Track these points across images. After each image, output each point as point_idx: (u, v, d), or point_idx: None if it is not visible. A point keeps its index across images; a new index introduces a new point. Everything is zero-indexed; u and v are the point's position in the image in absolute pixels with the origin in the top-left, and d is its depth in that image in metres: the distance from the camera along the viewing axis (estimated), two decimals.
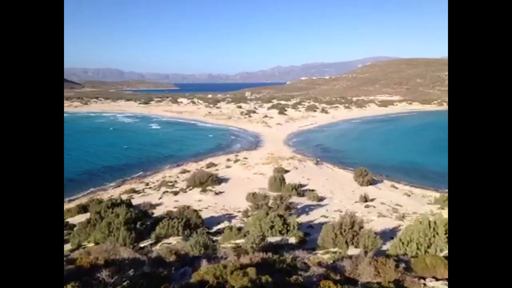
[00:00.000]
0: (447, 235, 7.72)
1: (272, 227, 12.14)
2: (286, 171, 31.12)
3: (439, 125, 72.91)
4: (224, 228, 13.56)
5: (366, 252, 7.78)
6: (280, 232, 12.16)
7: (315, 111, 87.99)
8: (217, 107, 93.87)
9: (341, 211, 18.32)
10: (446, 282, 4.39)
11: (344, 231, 10.31)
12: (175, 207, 19.26)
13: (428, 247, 7.67)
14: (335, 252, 8.93)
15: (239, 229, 12.76)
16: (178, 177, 30.97)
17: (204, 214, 18.29)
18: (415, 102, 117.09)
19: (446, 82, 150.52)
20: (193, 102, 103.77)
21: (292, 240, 11.57)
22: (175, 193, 24.93)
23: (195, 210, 16.76)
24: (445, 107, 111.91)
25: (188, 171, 32.41)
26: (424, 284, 4.35)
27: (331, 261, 6.77)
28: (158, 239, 11.80)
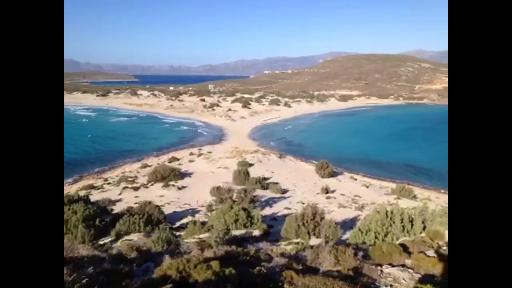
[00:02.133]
0: (402, 224, 8.21)
1: (236, 221, 12.20)
2: (250, 165, 31.33)
3: (395, 118, 76.99)
4: (187, 223, 13.41)
5: (327, 242, 8.07)
6: (244, 225, 12.25)
7: (278, 105, 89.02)
8: (179, 100, 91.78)
9: (304, 203, 18.81)
10: (401, 268, 4.67)
11: (306, 222, 10.61)
12: (136, 203, 18.70)
13: (385, 235, 8.10)
14: (297, 243, 9.17)
15: (203, 223, 12.69)
16: (138, 172, 30.06)
17: (167, 210, 17.97)
18: (373, 96, 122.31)
19: (403, 77, 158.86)
20: (154, 95, 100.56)
21: (256, 232, 11.71)
22: (136, 189, 24.18)
23: (157, 206, 16.41)
24: (400, 101, 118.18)
25: (149, 166, 31.53)
26: (381, 271, 4.59)
27: (294, 252, 6.95)
28: (118, 236, 11.41)
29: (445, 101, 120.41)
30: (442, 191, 28.15)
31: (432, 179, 31.74)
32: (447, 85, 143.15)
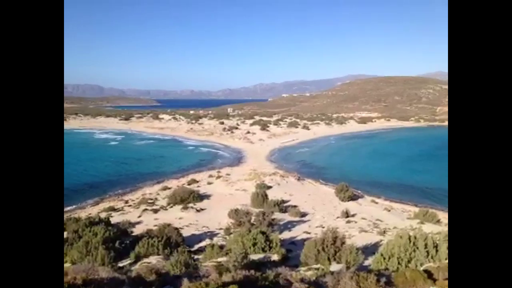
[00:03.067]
0: (426, 249, 7.89)
1: (254, 244, 12.03)
2: (269, 187, 31.12)
3: (416, 140, 75.33)
4: (205, 246, 13.33)
5: (348, 268, 7.83)
6: (262, 249, 12.05)
7: (296, 127, 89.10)
8: (199, 123, 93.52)
9: (323, 227, 18.38)
10: None
11: (326, 247, 10.34)
12: (155, 225, 18.82)
13: (409, 261, 7.80)
14: (317, 269, 8.93)
15: (221, 247, 12.59)
16: (158, 194, 30.38)
17: (185, 232, 17.95)
18: (393, 118, 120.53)
19: (423, 99, 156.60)
20: (175, 118, 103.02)
21: (275, 257, 11.49)
22: (155, 211, 24.39)
23: (176, 228, 16.43)
24: (421, 123, 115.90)
25: (169, 188, 31.86)
26: None
27: (314, 278, 6.77)
28: (137, 258, 11.47)
29: None
30: None
31: None
32: None
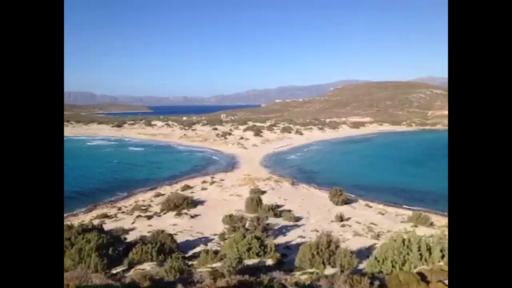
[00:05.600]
0: (420, 252, 7.95)
1: (249, 249, 12.01)
2: (263, 192, 31.11)
3: (409, 144, 76.07)
4: (200, 252, 13.26)
5: (342, 271, 7.85)
6: (257, 254, 12.03)
7: (290, 132, 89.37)
8: (193, 129, 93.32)
9: (318, 231, 18.42)
10: None
11: (321, 251, 10.35)
12: (149, 232, 18.67)
13: (403, 264, 7.84)
14: (312, 273, 8.93)
15: (216, 252, 12.54)
16: (152, 200, 30.17)
17: (179, 238, 17.84)
18: (385, 123, 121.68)
19: (414, 104, 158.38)
20: (168, 125, 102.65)
21: (270, 261, 11.47)
22: (149, 218, 24.20)
23: (170, 235, 16.33)
24: (413, 127, 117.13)
25: (163, 195, 31.67)
26: None
27: (309, 282, 6.77)
28: (131, 265, 11.35)
29: None
30: None
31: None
32: None
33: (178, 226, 21.95)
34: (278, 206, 26.39)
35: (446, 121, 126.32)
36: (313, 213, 25.77)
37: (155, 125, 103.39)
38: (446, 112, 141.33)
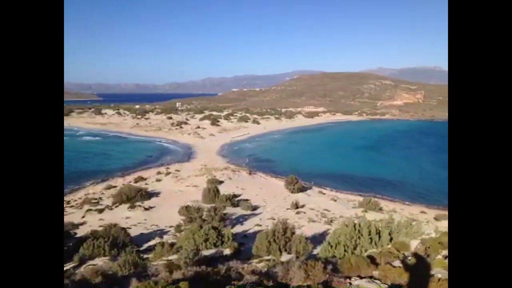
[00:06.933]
0: (370, 236, 8.40)
1: (206, 240, 11.93)
2: (220, 182, 31.00)
3: (359, 133, 79.95)
4: (155, 245, 12.93)
5: (297, 257, 8.08)
6: (215, 244, 12.00)
7: (247, 122, 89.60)
8: (146, 118, 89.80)
9: (274, 219, 18.79)
10: (369, 279, 4.76)
11: (277, 238, 10.58)
12: (100, 226, 17.80)
13: (354, 248, 8.24)
14: (269, 260, 9.10)
15: (172, 244, 12.29)
16: (103, 193, 28.75)
17: (133, 232, 17.24)
18: (338, 113, 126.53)
19: (365, 94, 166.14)
20: (119, 114, 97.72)
21: (227, 251, 11.50)
22: (100, 211, 23.06)
23: (123, 228, 15.69)
24: (364, 117, 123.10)
25: (114, 187, 30.30)
26: (350, 283, 4.65)
27: (265, 269, 6.88)
28: (82, 261, 10.76)
29: (405, 116, 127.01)
30: (407, 203, 29.27)
31: (396, 192, 32.99)
32: (407, 101, 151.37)
33: (132, 219, 21.19)
34: (236, 196, 26.47)
35: (394, 111, 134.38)
36: (269, 201, 26.22)
37: (106, 114, 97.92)
38: (395, 103, 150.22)
